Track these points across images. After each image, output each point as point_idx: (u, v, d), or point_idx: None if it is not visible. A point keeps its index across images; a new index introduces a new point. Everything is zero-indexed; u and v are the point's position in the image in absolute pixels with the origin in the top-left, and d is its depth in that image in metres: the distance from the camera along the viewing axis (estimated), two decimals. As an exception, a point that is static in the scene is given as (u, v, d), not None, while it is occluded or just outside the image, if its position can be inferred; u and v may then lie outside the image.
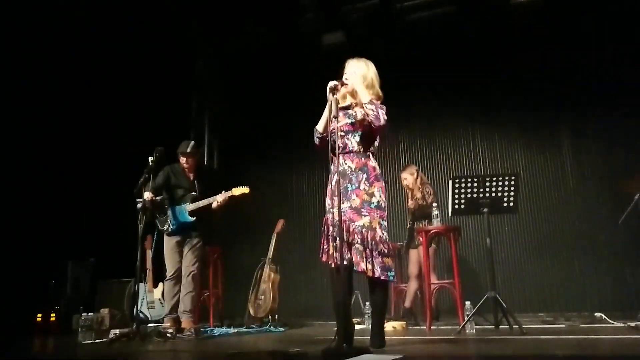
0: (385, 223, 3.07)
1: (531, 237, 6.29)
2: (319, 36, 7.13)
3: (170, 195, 4.84)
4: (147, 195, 4.43)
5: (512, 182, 4.23)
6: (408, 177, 5.59)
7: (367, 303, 4.87)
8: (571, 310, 5.64)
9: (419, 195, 5.43)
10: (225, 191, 4.72)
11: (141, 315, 5.25)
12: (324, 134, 3.14)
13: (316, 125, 3.22)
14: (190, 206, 4.72)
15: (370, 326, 3.19)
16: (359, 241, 2.97)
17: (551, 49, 6.33)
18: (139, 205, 4.40)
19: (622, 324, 4.12)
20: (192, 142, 4.88)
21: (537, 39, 6.42)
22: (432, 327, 4.55)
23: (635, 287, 5.60)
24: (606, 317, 4.47)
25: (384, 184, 3.18)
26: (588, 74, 6.15)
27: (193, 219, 4.72)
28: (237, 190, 4.72)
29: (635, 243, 5.49)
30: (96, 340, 3.97)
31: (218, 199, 4.67)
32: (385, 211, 3.11)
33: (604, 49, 6.10)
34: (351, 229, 2.98)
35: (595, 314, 4.66)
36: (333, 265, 2.99)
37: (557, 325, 4.56)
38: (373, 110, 3.03)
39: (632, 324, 3.98)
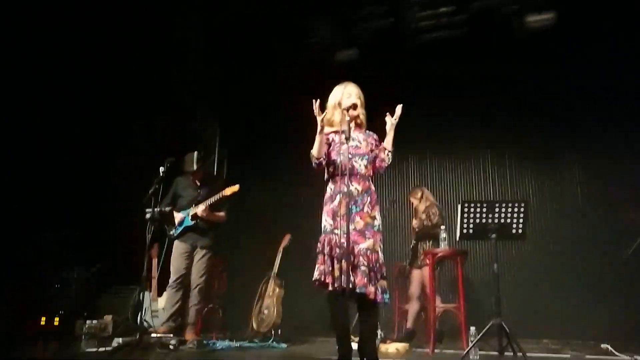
0: (382, 246, 3.12)
1: (539, 263, 6.24)
2: (330, 51, 7.16)
3: (178, 204, 4.89)
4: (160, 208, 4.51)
5: (522, 209, 4.21)
6: (413, 201, 5.64)
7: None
8: (576, 339, 5.58)
9: (423, 215, 5.44)
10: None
11: (145, 324, 5.26)
12: (321, 159, 3.17)
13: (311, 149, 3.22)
14: (191, 210, 4.75)
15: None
16: (365, 263, 2.97)
17: (564, 74, 6.34)
18: (147, 216, 4.44)
19: (628, 357, 4.07)
20: (195, 155, 4.91)
21: (550, 64, 6.42)
22: (435, 351, 4.52)
23: (642, 319, 5.52)
24: (612, 349, 4.42)
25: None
26: (602, 100, 6.14)
27: (193, 222, 4.73)
28: (228, 190, 4.73)
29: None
30: (99, 349, 3.98)
31: (210, 201, 4.70)
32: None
33: (618, 76, 6.09)
34: (355, 251, 2.98)
35: (602, 345, 4.61)
36: (335, 288, 2.95)
37: (562, 355, 4.51)
38: (389, 159, 3.24)
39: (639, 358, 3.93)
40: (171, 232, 4.82)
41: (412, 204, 5.69)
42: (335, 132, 3.24)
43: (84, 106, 6.69)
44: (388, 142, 3.23)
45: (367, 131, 3.37)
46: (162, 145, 5.79)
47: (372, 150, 3.28)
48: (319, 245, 3.10)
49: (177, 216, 4.80)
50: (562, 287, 6.05)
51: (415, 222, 5.53)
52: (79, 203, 6.58)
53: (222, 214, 4.88)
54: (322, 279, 3.01)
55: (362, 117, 3.32)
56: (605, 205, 6.08)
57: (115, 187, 6.55)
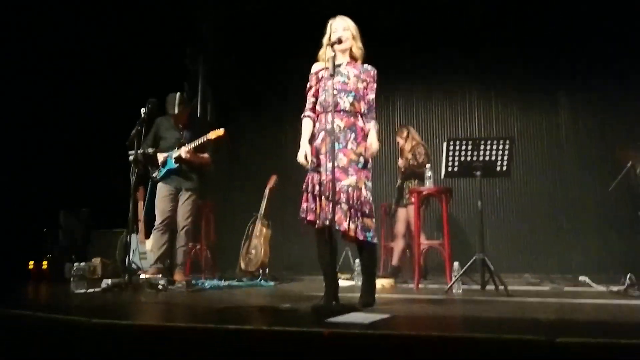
0: (370, 184, 3.07)
1: (522, 200, 6.35)
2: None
3: (160, 146, 4.81)
4: (142, 150, 4.45)
5: (507, 147, 4.22)
6: (399, 140, 5.63)
7: (357, 260, 4.95)
8: (556, 272, 5.76)
9: (409, 155, 5.45)
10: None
11: (133, 266, 5.30)
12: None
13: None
14: (174, 152, 4.69)
15: (359, 283, 3.27)
16: (344, 200, 2.96)
17: (550, 10, 6.22)
18: (131, 158, 4.38)
19: (604, 289, 4.22)
20: (178, 97, 4.78)
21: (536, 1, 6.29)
22: (419, 286, 4.64)
23: (619, 252, 5.70)
24: (590, 281, 4.57)
25: None
26: (588, 37, 6.07)
27: (177, 165, 4.69)
28: (213, 134, 4.66)
29: (622, 209, 5.57)
30: (88, 290, 4.01)
31: (194, 144, 4.64)
32: (371, 172, 3.11)
33: (603, 12, 5.99)
34: (337, 188, 2.96)
35: (580, 278, 4.76)
36: (319, 225, 2.99)
37: (542, 287, 4.66)
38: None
39: (615, 289, 4.07)
40: (154, 174, 4.76)
41: (398, 143, 5.68)
42: (325, 68, 3.16)
43: (65, 44, 6.47)
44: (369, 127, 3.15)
45: (365, 65, 3.23)
46: (145, 85, 5.65)
47: (364, 87, 3.16)
48: (304, 183, 3.11)
49: (160, 157, 4.74)
50: (543, 223, 6.20)
51: (401, 162, 5.54)
52: (62, 144, 6.48)
53: (206, 155, 4.84)
54: (305, 216, 3.05)
55: (355, 49, 3.19)
56: (589, 142, 6.14)
57: (98, 127, 6.42)
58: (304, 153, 3.14)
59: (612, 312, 2.99)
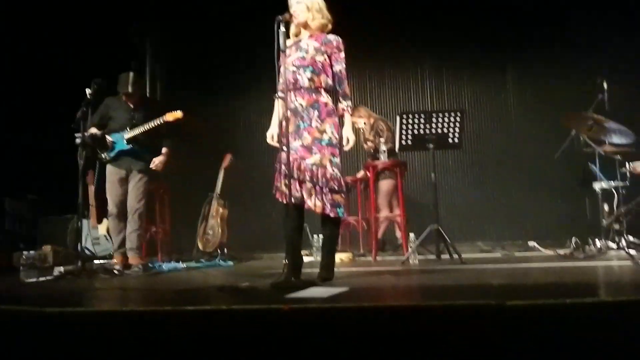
0: (337, 160, 3.02)
1: (473, 170, 6.52)
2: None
3: (109, 126, 4.62)
4: (92, 130, 4.29)
5: (458, 119, 4.30)
6: (359, 120, 5.51)
7: (315, 235, 4.97)
8: (507, 239, 5.97)
9: (371, 135, 5.44)
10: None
11: (86, 251, 5.16)
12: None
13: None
14: (127, 133, 4.51)
15: (318, 258, 3.29)
16: (308, 178, 2.97)
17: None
18: (78, 141, 4.21)
19: (552, 252, 4.41)
20: (132, 76, 4.57)
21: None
22: (377, 258, 4.72)
23: (566, 217, 5.94)
24: (538, 246, 4.76)
25: (337, 119, 3.10)
26: (535, 8, 6.20)
27: (129, 146, 4.52)
28: (170, 116, 4.50)
29: (569, 176, 5.79)
30: (40, 279, 3.88)
31: (149, 125, 4.48)
32: (338, 147, 3.06)
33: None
34: (302, 167, 2.96)
35: (529, 243, 4.96)
36: (284, 202, 2.99)
37: (494, 254, 4.83)
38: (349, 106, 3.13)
39: (562, 252, 4.26)
40: (103, 156, 4.56)
41: (357, 123, 5.53)
42: (287, 46, 3.08)
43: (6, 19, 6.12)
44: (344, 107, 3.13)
45: (328, 35, 3.13)
46: (91, 63, 5.41)
47: (327, 59, 3.07)
48: (276, 161, 3.10)
49: (109, 138, 4.54)
50: (494, 191, 6.39)
51: (366, 146, 5.50)
52: (7, 131, 6.18)
53: (165, 150, 4.71)
54: (275, 194, 3.06)
55: (312, 22, 3.07)
56: (536, 111, 6.32)
57: (44, 110, 6.14)
58: (270, 134, 3.15)
59: (559, 274, 3.13)
